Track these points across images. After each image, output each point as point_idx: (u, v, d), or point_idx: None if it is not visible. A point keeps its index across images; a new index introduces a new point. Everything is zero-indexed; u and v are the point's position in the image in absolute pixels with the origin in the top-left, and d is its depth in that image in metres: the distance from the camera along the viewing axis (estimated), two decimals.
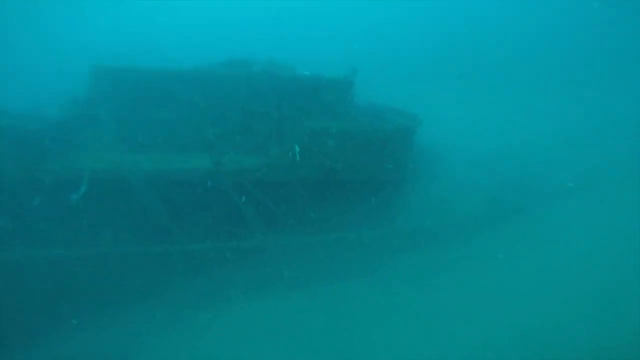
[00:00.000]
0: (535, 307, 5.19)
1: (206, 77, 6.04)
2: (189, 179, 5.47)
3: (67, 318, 4.94)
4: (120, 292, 5.18)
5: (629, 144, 8.35)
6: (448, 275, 6.13)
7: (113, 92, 5.78)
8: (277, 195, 5.94)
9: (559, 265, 5.84)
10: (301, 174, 5.85)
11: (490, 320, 5.13)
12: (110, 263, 5.28)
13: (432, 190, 7.02)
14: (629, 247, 5.71)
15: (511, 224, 6.80)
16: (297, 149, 5.56)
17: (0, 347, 4.72)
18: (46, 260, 5.09)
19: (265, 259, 5.87)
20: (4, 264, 4.97)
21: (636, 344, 4.49)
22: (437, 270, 6.22)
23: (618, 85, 11.19)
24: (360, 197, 6.25)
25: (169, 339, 5.08)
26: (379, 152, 6.02)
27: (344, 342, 5.05)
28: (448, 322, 5.24)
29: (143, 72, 5.89)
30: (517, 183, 7.49)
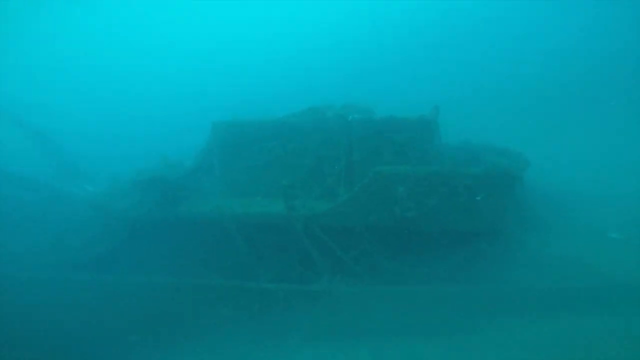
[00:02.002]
0: None
1: (284, 125, 6.48)
2: (267, 222, 5.87)
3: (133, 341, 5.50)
4: (193, 322, 5.63)
5: None
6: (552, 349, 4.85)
7: (222, 144, 6.72)
8: (345, 242, 5.80)
9: None
10: (370, 221, 5.61)
11: None
12: (195, 293, 5.84)
13: (554, 245, 5.81)
14: None
15: None
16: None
17: None
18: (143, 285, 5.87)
19: (330, 305, 5.68)
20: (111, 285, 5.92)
21: None
22: (544, 342, 4.97)
23: None
24: (445, 250, 5.65)
25: None
26: (465, 199, 5.35)
27: None
28: None
29: (242, 125, 6.66)
30: None
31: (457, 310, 5.45)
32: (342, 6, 24.48)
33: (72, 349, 5.37)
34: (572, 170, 8.44)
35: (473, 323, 5.36)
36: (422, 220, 5.41)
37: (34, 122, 10.79)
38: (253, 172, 6.59)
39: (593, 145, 9.55)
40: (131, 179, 6.82)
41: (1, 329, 5.54)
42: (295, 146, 6.35)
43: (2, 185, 7.62)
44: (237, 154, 6.62)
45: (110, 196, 7.03)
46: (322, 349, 5.44)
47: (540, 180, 7.82)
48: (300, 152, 6.35)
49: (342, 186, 6.14)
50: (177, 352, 5.47)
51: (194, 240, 6.20)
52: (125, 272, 6.08)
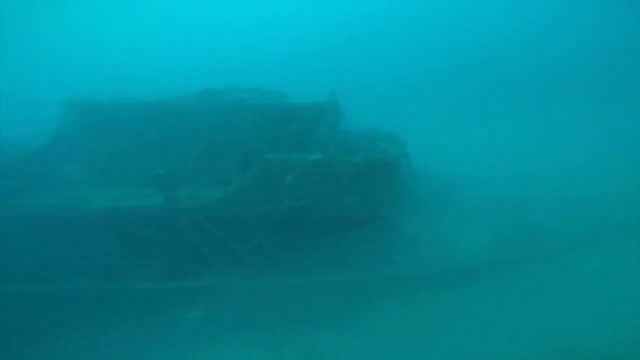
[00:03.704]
0: None
1: (163, 107, 5.93)
2: (141, 215, 5.26)
3: None
4: (60, 331, 5.02)
5: None
6: (438, 331, 5.18)
7: (83, 126, 5.89)
8: (239, 233, 5.54)
9: (573, 329, 4.69)
10: (263, 210, 5.39)
11: None
12: (57, 299, 5.16)
13: (426, 230, 6.17)
14: None
15: (519, 274, 5.65)
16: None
17: None
18: None
19: (222, 300, 5.43)
20: None
21: None
22: (423, 323, 5.30)
23: None
24: (335, 238, 5.61)
25: None
26: (348, 187, 5.33)
27: None
28: None
29: (110, 106, 5.95)
30: (533, 223, 6.32)
31: (346, 297, 5.49)
32: None
33: None
34: (466, 158, 8.98)
35: (361, 309, 5.45)
36: (310, 209, 5.31)
37: None
38: (122, 159, 5.94)
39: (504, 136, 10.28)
40: None
41: None
42: (180, 131, 5.85)
43: None
44: (103, 138, 5.91)
45: None
46: (213, 347, 5.22)
47: (444, 168, 8.21)
48: (188, 137, 5.87)
49: (237, 175, 5.83)
50: None
51: (40, 238, 5.24)
52: None
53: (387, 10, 21.76)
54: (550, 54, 17.34)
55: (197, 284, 5.40)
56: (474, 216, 6.40)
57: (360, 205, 5.36)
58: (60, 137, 5.95)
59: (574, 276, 5.44)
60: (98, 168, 5.88)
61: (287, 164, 5.19)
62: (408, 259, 5.69)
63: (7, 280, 5.03)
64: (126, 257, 5.30)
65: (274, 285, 5.54)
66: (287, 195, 5.23)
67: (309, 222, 5.46)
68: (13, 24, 19.07)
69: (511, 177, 7.98)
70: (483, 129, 11.76)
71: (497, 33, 19.12)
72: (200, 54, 19.41)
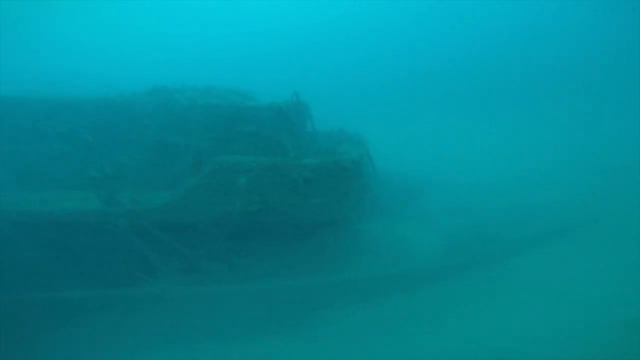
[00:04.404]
0: None
1: (104, 106, 5.53)
2: (72, 220, 4.83)
3: None
4: None
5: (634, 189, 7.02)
6: (391, 334, 5.14)
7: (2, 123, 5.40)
8: (187, 238, 5.24)
9: (518, 332, 4.71)
10: (213, 215, 5.13)
11: None
12: None
13: (383, 232, 6.12)
14: (606, 315, 4.48)
15: (469, 277, 5.70)
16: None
17: None
18: None
19: (170, 308, 5.13)
20: None
21: None
22: (377, 327, 5.25)
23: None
24: (290, 243, 5.41)
25: None
26: (304, 191, 5.13)
27: None
28: None
29: (32, 102, 5.46)
30: (486, 227, 6.41)
31: (302, 303, 5.34)
32: None
33: None
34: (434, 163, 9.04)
35: (317, 315, 5.32)
36: (263, 214, 5.09)
37: None
38: (52, 160, 5.49)
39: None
40: None
41: None
42: (122, 131, 5.46)
43: None
44: (28, 137, 5.45)
45: None
46: (159, 358, 4.93)
47: (408, 170, 8.23)
48: (132, 137, 5.50)
49: (187, 177, 5.51)
50: None
51: None
52: None
53: (366, 11, 21.83)
54: (520, 60, 17.77)
55: (143, 291, 5.08)
56: (431, 219, 6.45)
57: (316, 209, 5.18)
58: None
59: (522, 279, 5.52)
60: (22, 169, 5.40)
61: (240, 166, 4.96)
62: (364, 262, 5.58)
63: None
64: (55, 265, 4.87)
65: (225, 292, 5.30)
66: (239, 199, 4.99)
67: (262, 226, 5.25)
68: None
69: (471, 181, 8.10)
70: (448, 133, 11.94)
71: (465, 37, 19.46)
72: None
